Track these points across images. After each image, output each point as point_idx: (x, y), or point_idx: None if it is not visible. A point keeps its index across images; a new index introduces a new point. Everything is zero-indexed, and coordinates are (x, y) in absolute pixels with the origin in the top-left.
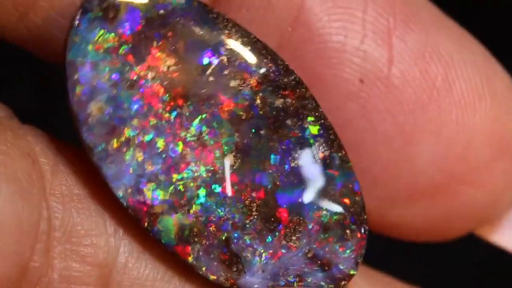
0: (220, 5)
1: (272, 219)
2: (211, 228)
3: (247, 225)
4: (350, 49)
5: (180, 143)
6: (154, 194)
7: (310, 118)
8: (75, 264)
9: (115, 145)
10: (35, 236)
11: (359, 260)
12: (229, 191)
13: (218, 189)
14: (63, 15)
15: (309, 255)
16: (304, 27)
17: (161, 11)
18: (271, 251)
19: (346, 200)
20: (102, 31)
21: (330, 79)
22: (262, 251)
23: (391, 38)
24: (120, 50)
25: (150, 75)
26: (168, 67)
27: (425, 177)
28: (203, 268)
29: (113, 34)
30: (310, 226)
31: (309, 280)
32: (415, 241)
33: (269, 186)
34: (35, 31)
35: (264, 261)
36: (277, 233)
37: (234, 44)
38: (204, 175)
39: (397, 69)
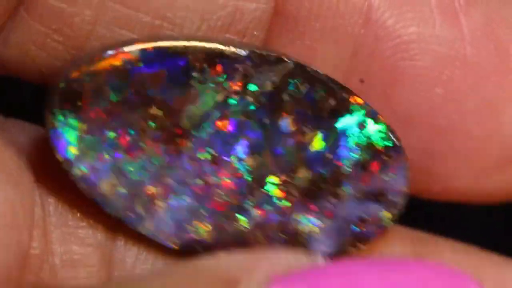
0: (287, 19)
1: (313, 187)
2: (266, 226)
3: (294, 206)
4: (425, 38)
5: (198, 176)
6: (199, 229)
7: (303, 82)
8: (75, 247)
9: (142, 206)
10: (31, 222)
11: (406, 174)
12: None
13: (253, 192)
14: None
15: (360, 196)
16: (377, 26)
17: (122, 74)
18: (325, 214)
19: (367, 129)
20: (78, 122)
21: (412, 70)
22: (316, 220)
23: (459, 17)
24: (104, 127)
25: (141, 132)
26: (154, 117)
27: None
28: None
29: (90, 117)
30: (349, 172)
31: (370, 219)
32: (502, 203)
33: (293, 160)
34: None
35: (323, 226)
36: (323, 196)
37: (202, 61)
38: (234, 188)
39: (471, 46)
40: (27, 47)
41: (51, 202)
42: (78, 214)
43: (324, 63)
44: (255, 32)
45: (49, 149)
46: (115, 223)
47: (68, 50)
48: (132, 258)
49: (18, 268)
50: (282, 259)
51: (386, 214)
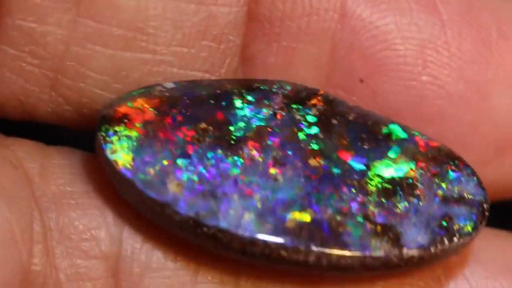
0: (262, 22)
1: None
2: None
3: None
4: (403, 26)
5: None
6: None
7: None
8: (80, 261)
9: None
10: (30, 238)
11: (478, 181)
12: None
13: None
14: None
15: (440, 198)
16: (353, 19)
17: (162, 99)
18: (412, 207)
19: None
20: (130, 135)
21: (393, 60)
22: (402, 211)
23: (436, 5)
24: (157, 136)
25: (196, 141)
26: (205, 130)
27: (508, 127)
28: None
29: (140, 131)
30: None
31: (460, 221)
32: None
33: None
34: (68, 96)
35: (413, 213)
36: (404, 196)
37: (240, 89)
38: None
39: (452, 31)
40: (3, 74)
41: (52, 217)
42: (81, 227)
43: (304, 62)
44: (231, 37)
45: (52, 166)
46: (119, 234)
47: (45, 74)
48: (140, 268)
49: (19, 285)
50: None
51: (470, 215)
